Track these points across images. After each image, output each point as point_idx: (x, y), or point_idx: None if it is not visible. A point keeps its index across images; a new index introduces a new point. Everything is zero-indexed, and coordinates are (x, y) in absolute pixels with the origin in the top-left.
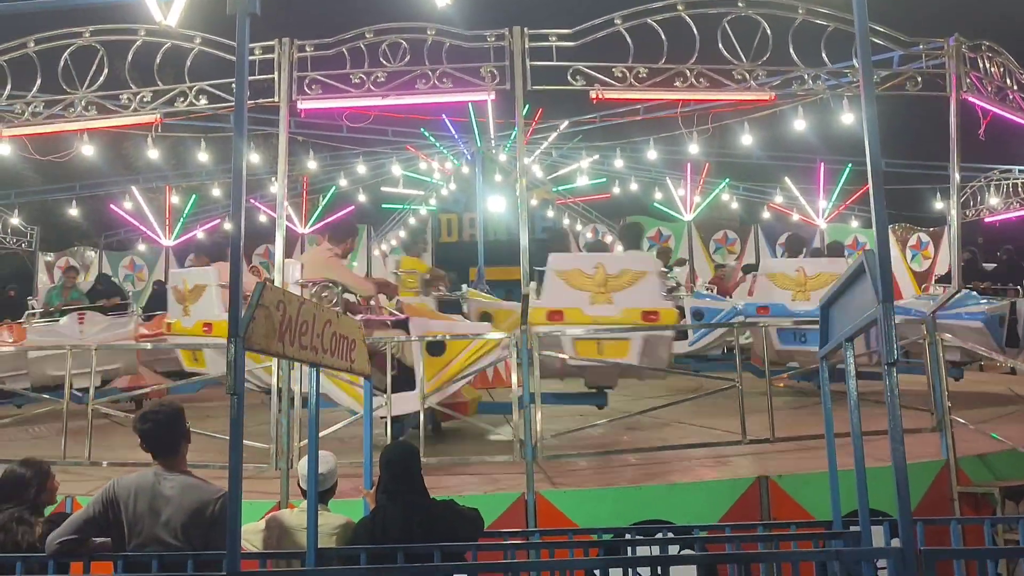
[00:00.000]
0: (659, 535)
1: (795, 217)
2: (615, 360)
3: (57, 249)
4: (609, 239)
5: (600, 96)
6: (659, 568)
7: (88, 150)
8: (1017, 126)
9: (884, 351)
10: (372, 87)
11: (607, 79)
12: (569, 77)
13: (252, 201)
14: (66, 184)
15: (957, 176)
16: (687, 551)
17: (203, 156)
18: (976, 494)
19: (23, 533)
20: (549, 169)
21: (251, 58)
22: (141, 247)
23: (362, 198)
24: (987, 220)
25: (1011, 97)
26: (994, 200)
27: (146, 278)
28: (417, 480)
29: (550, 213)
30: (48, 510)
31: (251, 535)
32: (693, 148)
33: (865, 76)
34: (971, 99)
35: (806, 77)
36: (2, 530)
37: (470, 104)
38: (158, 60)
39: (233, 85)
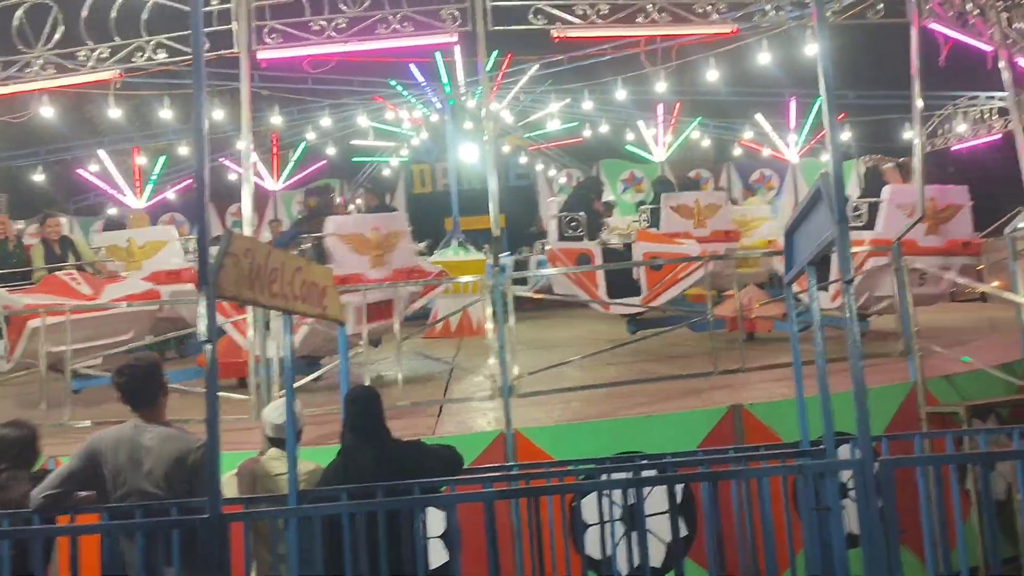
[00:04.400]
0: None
1: (766, 153)
2: None
3: (27, 216)
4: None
5: (562, 35)
6: (633, 492)
7: (48, 112)
8: (982, 52)
9: (841, 268)
10: (333, 33)
11: (569, 17)
12: (531, 16)
13: (221, 159)
14: (30, 150)
15: (920, 103)
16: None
17: (167, 114)
18: (943, 414)
19: (16, 491)
20: (520, 115)
21: (207, 8)
22: (112, 211)
23: (332, 152)
24: (954, 148)
25: (971, 22)
26: (962, 128)
27: None
28: (381, 420)
29: (523, 159)
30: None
31: (223, 484)
32: (661, 87)
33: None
34: (932, 25)
35: (767, 8)
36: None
37: (439, 52)
38: (114, 14)
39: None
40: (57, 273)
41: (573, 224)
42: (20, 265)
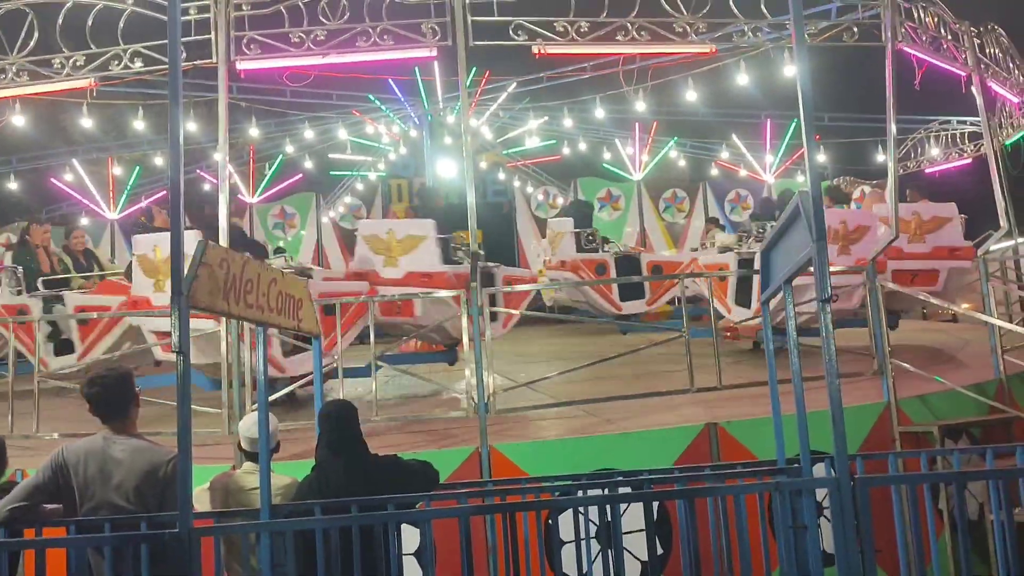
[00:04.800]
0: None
1: (743, 173)
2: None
3: None
4: (561, 201)
5: (542, 51)
6: (608, 509)
7: (20, 120)
8: (954, 76)
9: (819, 287)
10: (312, 46)
11: (549, 34)
12: (511, 32)
13: (197, 171)
14: (2, 158)
15: (894, 127)
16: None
17: (141, 125)
18: (916, 433)
19: None
20: (499, 132)
21: (185, 18)
22: (84, 221)
23: (310, 165)
24: (927, 171)
25: (945, 47)
26: (935, 151)
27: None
28: (357, 434)
29: (501, 176)
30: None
31: (196, 497)
32: (640, 106)
33: (796, 19)
34: (906, 49)
35: (746, 29)
36: None
37: (416, 68)
38: (90, 22)
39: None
40: (109, 278)
41: (590, 237)
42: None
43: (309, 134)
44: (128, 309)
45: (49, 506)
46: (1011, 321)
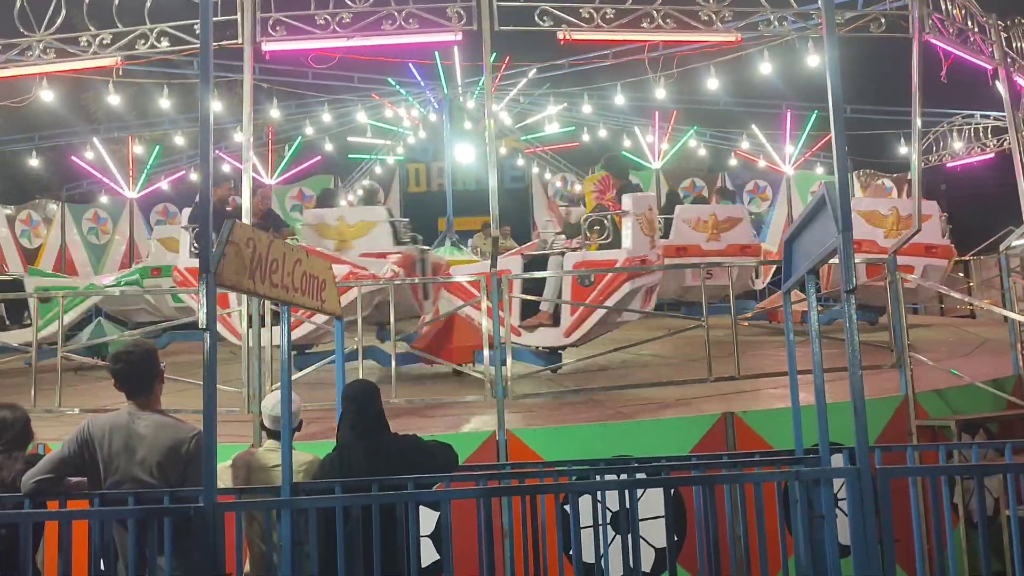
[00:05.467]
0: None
1: (762, 164)
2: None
3: (17, 202)
4: (578, 188)
5: (567, 37)
6: (626, 495)
7: (47, 95)
8: (979, 70)
9: (843, 278)
10: (337, 28)
11: (574, 20)
12: (536, 18)
13: (216, 151)
14: (25, 135)
15: (919, 120)
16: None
17: (165, 103)
18: (933, 427)
19: (11, 470)
20: (518, 117)
21: None
22: (104, 199)
23: (329, 148)
24: (949, 165)
25: (972, 39)
26: (957, 145)
27: (110, 231)
28: (380, 415)
29: (519, 162)
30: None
31: (218, 474)
32: (660, 93)
33: (827, 11)
34: (933, 41)
35: (772, 18)
36: None
37: (436, 52)
38: (116, 1)
39: (196, 26)
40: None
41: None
42: None
43: (328, 117)
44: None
45: (73, 479)
46: None
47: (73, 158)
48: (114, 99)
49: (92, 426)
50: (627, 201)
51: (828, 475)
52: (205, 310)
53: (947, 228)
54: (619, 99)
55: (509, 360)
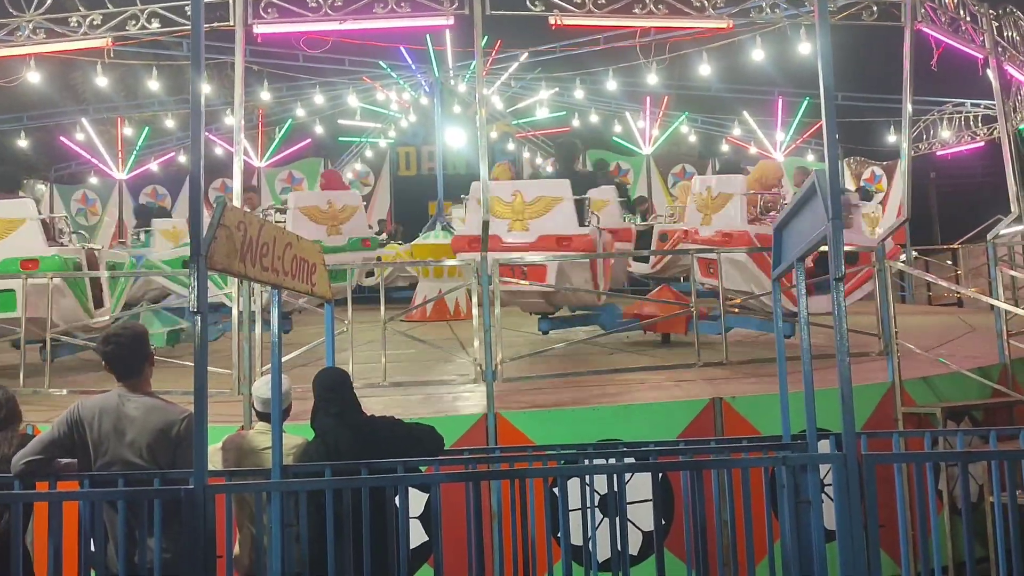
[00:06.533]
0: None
1: (753, 150)
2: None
3: (4, 182)
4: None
5: (559, 22)
6: (615, 478)
7: (35, 77)
8: (969, 58)
9: (832, 266)
10: (329, 11)
11: (566, 5)
12: (528, 2)
13: (206, 133)
14: (12, 115)
15: (909, 107)
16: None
17: (154, 85)
18: (919, 414)
19: (3, 450)
20: (509, 102)
21: None
22: (93, 180)
23: (319, 130)
24: (939, 154)
25: (964, 28)
26: (946, 134)
27: (99, 212)
28: (356, 401)
29: (510, 147)
30: None
31: (208, 456)
32: (652, 79)
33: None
34: (925, 29)
35: (764, 5)
36: None
37: (427, 35)
38: None
39: (187, 7)
40: None
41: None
42: None
43: (319, 99)
44: None
45: (63, 460)
46: (1017, 305)
47: (62, 139)
48: (103, 80)
49: (82, 408)
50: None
51: (815, 461)
52: (197, 293)
53: None
54: (611, 84)
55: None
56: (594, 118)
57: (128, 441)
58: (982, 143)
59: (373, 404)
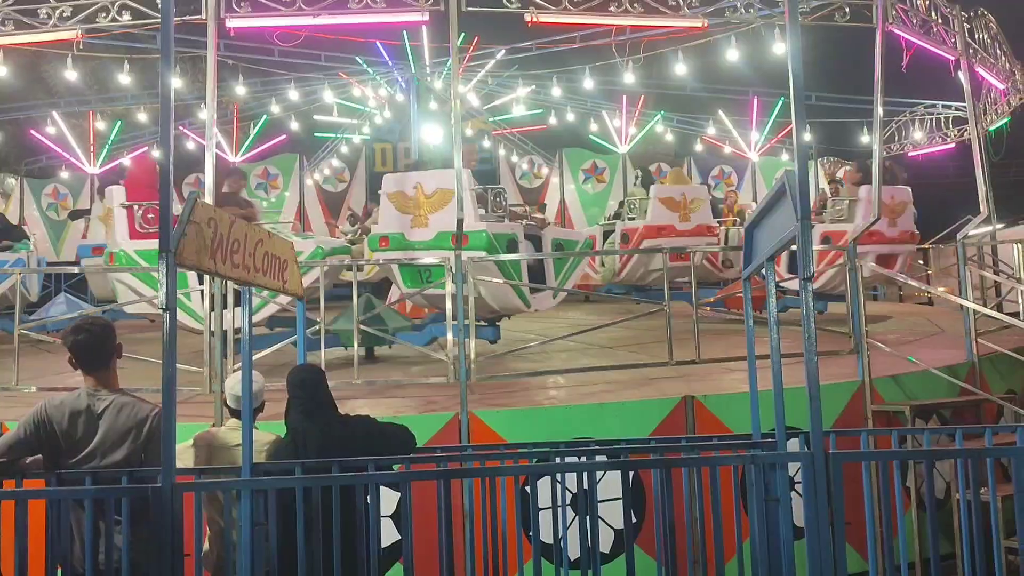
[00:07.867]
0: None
1: (728, 150)
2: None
3: None
4: (545, 171)
5: (535, 19)
6: (585, 477)
7: (4, 68)
8: (941, 60)
9: (801, 266)
10: (303, 5)
11: (542, 2)
12: None
13: (180, 128)
14: None
15: (880, 109)
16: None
17: (126, 79)
18: (888, 412)
19: None
20: (486, 99)
21: None
22: (64, 174)
23: (295, 126)
24: (911, 154)
25: (935, 30)
26: (918, 135)
27: (70, 206)
28: (330, 399)
29: (486, 143)
30: None
31: (179, 453)
32: (628, 78)
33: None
34: (896, 31)
35: (738, 5)
36: None
37: (404, 31)
38: None
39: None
40: None
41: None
42: None
43: (294, 95)
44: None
45: (29, 459)
46: (985, 305)
47: (33, 132)
48: (73, 73)
49: (49, 407)
50: None
51: (783, 459)
52: (165, 289)
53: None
54: (587, 83)
55: (473, 342)
56: (571, 116)
57: (98, 439)
58: (953, 144)
59: (346, 403)
